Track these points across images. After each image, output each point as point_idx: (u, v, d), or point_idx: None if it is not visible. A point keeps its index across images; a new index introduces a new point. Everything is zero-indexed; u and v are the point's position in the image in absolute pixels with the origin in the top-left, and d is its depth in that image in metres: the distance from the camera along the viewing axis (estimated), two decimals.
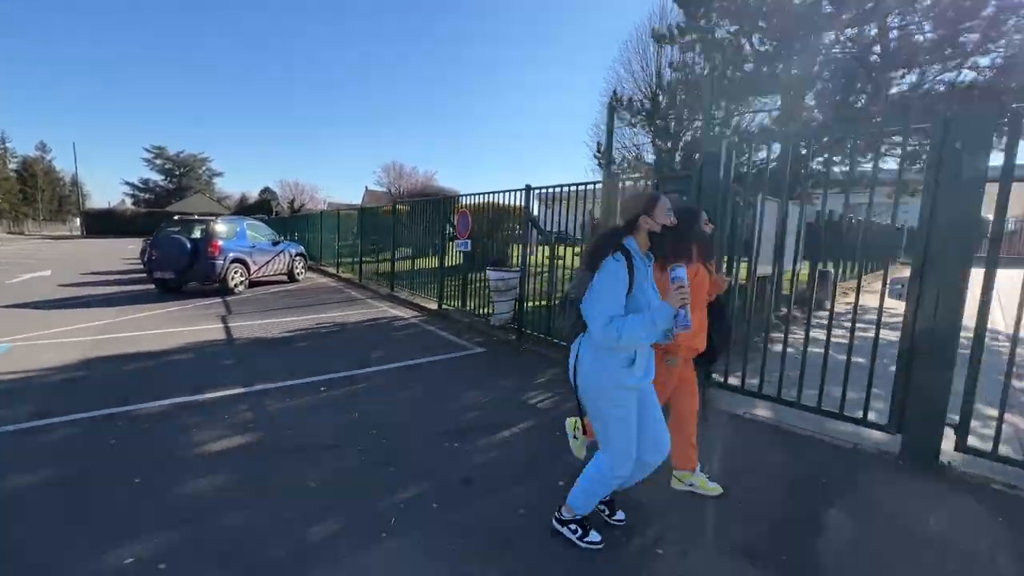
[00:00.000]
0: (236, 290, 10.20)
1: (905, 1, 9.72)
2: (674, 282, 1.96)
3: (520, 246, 6.26)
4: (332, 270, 14.86)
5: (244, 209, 55.39)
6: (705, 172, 3.89)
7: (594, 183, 5.12)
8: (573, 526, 2.29)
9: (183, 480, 2.77)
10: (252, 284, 11.33)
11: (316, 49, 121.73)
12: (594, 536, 2.26)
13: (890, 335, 4.24)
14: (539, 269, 7.01)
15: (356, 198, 54.43)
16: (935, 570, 2.17)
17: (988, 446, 2.97)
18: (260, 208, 52.15)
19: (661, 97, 11.46)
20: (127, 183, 66.49)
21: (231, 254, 10.15)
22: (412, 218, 10.24)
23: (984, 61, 10.41)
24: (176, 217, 11.22)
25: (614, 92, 11.91)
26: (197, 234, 9.92)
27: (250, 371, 4.84)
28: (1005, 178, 2.81)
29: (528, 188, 5.99)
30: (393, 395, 4.31)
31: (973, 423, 3.04)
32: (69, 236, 46.62)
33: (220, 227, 10.19)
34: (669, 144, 11.48)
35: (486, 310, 6.87)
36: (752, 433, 3.60)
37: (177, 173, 67.64)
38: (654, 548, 2.28)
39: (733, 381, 4.06)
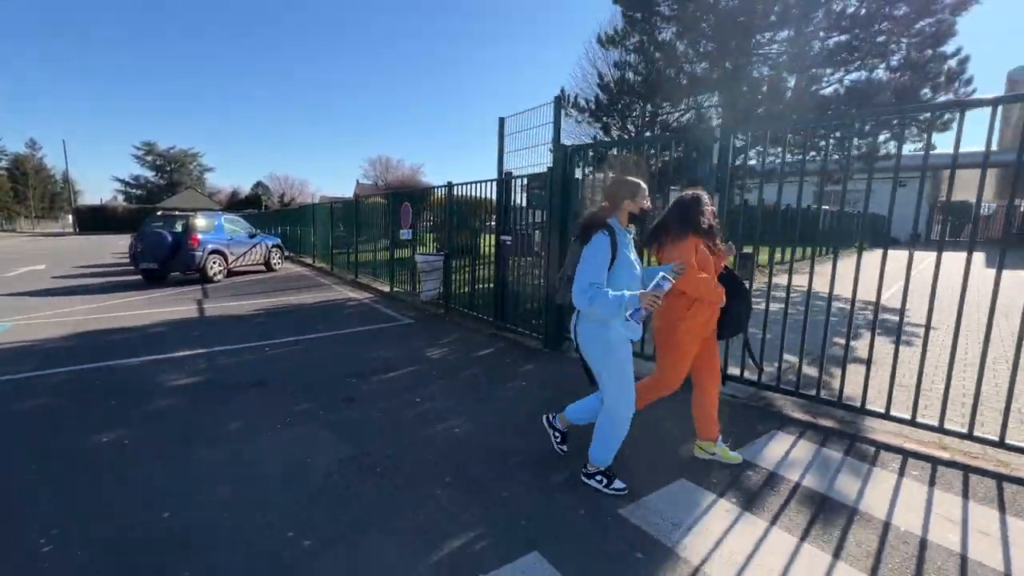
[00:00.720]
0: (215, 279, 11.27)
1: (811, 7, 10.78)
2: (656, 288, 2.22)
3: (485, 235, 7.18)
4: (310, 260, 15.94)
5: (235, 204, 56.19)
6: (554, 171, 4.98)
7: (497, 179, 6.16)
8: (599, 477, 2.57)
9: (148, 402, 3.88)
10: (232, 273, 12.41)
11: (310, 43, 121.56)
12: (618, 484, 2.55)
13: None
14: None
15: (348, 191, 55.32)
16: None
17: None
18: (251, 203, 52.99)
19: (602, 96, 12.51)
20: (118, 179, 66.95)
21: (209, 246, 11.22)
22: (372, 211, 11.30)
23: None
24: (159, 213, 12.28)
25: (561, 90, 12.97)
26: (178, 228, 10.98)
27: (212, 338, 5.95)
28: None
29: (449, 184, 7.07)
30: (320, 352, 5.42)
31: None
32: (62, 233, 47.33)
33: (199, 221, 11.25)
34: (611, 138, 12.57)
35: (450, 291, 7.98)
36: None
37: (168, 169, 68.07)
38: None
39: None
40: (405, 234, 8.41)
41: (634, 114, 12.19)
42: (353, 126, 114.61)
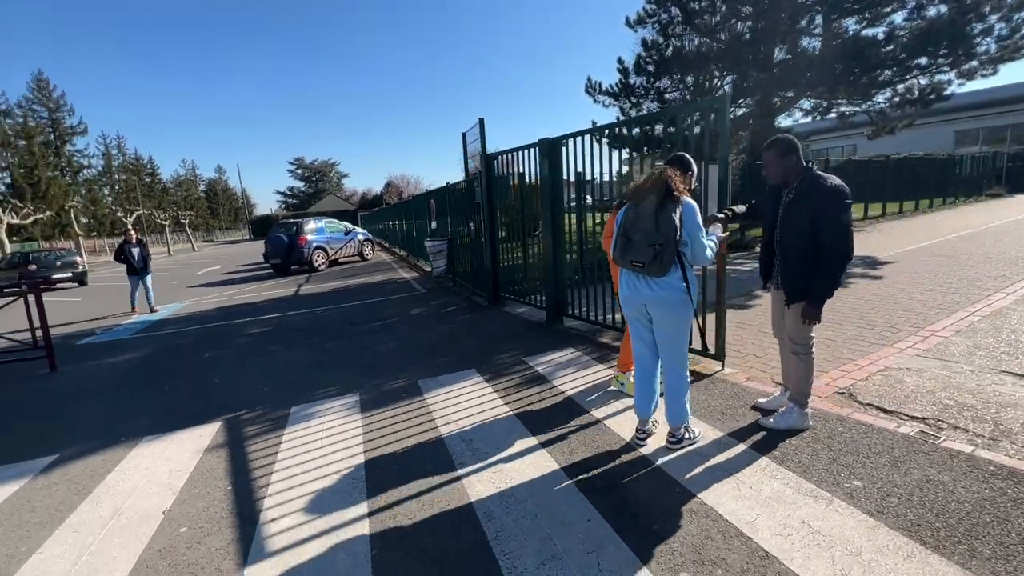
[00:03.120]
0: (319, 268, 14.83)
1: None
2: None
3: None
4: (397, 250, 19.25)
5: (365, 204, 64.65)
6: (481, 176, 6.73)
7: (460, 181, 8.02)
8: (686, 435, 2.77)
9: (236, 340, 6.66)
10: (333, 264, 15.99)
11: (425, 49, 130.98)
12: (696, 430, 2.84)
13: None
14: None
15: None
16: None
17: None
18: (375, 202, 60.50)
19: (627, 79, 13.36)
20: (278, 192, 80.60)
21: (314, 244, 14.79)
22: (421, 206, 13.79)
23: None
24: (280, 221, 16.25)
25: (588, 78, 14.08)
26: (292, 232, 14.68)
27: (291, 307, 8.85)
28: None
29: (427, 192, 9.11)
30: (348, 313, 7.91)
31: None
32: (241, 240, 59.19)
33: (305, 225, 14.86)
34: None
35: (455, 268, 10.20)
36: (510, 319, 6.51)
37: (313, 179, 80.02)
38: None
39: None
40: (432, 224, 10.70)
41: (652, 93, 12.88)
42: (459, 115, 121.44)
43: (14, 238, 32.43)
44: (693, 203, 2.60)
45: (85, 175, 47.76)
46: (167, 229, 39.33)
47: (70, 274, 16.22)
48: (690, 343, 2.84)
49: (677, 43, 12.58)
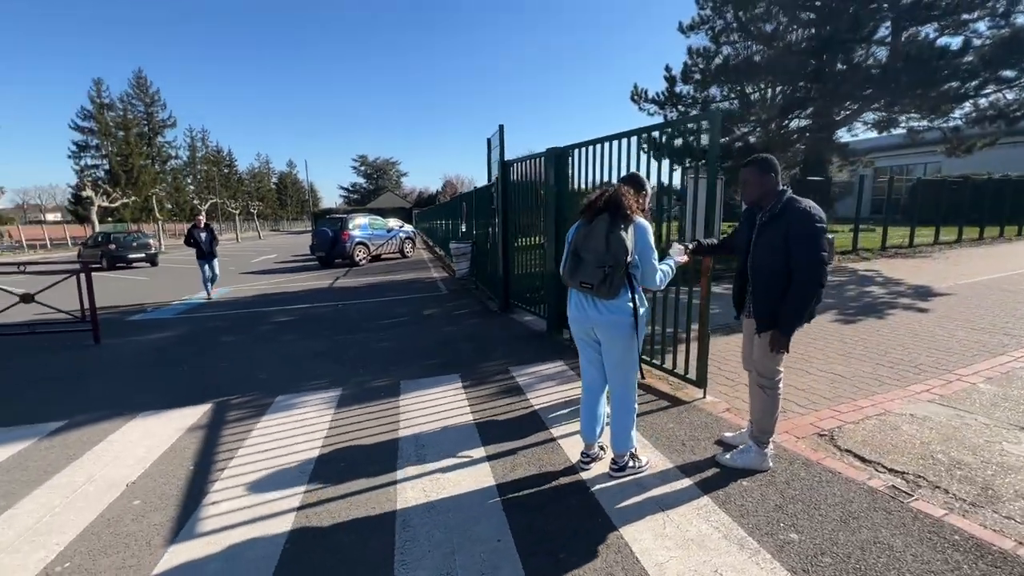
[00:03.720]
0: (360, 263, 15.42)
1: None
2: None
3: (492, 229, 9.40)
4: (438, 250, 19.66)
5: (419, 202, 66.58)
6: (499, 182, 6.75)
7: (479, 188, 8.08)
8: (631, 463, 2.66)
9: (260, 327, 7.05)
10: (374, 259, 16.57)
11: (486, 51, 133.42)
12: (644, 458, 2.72)
13: None
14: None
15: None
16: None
17: None
18: (430, 201, 62.12)
19: (674, 87, 12.96)
20: (341, 187, 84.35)
21: (356, 239, 15.39)
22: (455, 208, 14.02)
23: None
24: (327, 216, 17.04)
25: (635, 86, 13.77)
26: (336, 226, 15.36)
27: (320, 299, 9.27)
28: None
29: (460, 195, 9.21)
30: (367, 308, 8.18)
31: None
32: (303, 231, 62.54)
33: (348, 221, 15.50)
34: None
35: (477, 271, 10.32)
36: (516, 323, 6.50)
37: (375, 176, 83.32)
38: None
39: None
40: (463, 226, 10.86)
41: (699, 102, 12.42)
42: (516, 117, 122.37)
43: (108, 219, 36.11)
44: (646, 224, 2.52)
45: (172, 165, 52.19)
46: (237, 217, 42.24)
47: (143, 255, 17.79)
48: (640, 369, 2.70)
49: (729, 51, 12.09)
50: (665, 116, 13.26)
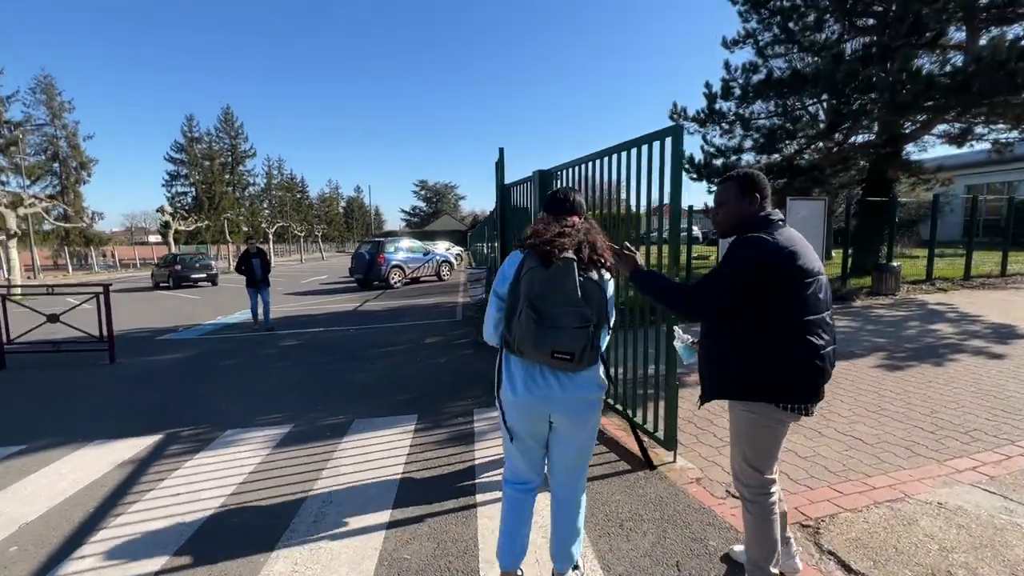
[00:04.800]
0: (395, 286, 15.61)
1: None
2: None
3: None
4: None
5: (474, 224, 68.01)
6: (496, 207, 6.44)
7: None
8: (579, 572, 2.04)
9: (265, 350, 7.11)
10: (412, 281, 16.74)
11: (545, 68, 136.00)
12: (583, 566, 2.09)
13: None
14: None
15: None
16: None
17: None
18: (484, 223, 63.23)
19: (713, 105, 12.21)
20: (402, 210, 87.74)
21: (392, 262, 15.64)
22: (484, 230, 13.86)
23: None
24: (366, 239, 17.49)
25: (674, 103, 13.11)
26: (374, 249, 15.70)
27: (337, 323, 9.32)
28: None
29: (475, 219, 8.97)
30: (376, 335, 8.06)
31: None
32: None
33: (385, 245, 15.81)
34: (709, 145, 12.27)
35: None
36: None
37: (434, 200, 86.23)
38: None
39: None
40: (485, 250, 10.63)
41: (741, 119, 11.57)
42: (569, 143, 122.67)
43: (192, 240, 39.64)
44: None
45: (249, 191, 56.73)
46: (302, 240, 44.91)
47: (205, 275, 19.09)
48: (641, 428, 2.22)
49: (777, 63, 11.22)
50: (705, 135, 12.49)
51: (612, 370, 3.11)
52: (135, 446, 3.74)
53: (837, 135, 10.21)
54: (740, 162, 12.30)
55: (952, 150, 12.21)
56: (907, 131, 10.63)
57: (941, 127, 10.46)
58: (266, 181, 62.14)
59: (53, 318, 6.67)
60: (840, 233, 14.19)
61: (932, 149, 12.42)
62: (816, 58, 10.34)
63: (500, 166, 6.35)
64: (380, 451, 3.49)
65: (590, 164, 4.06)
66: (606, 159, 3.82)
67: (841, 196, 13.08)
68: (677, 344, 2.24)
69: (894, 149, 10.71)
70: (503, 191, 6.39)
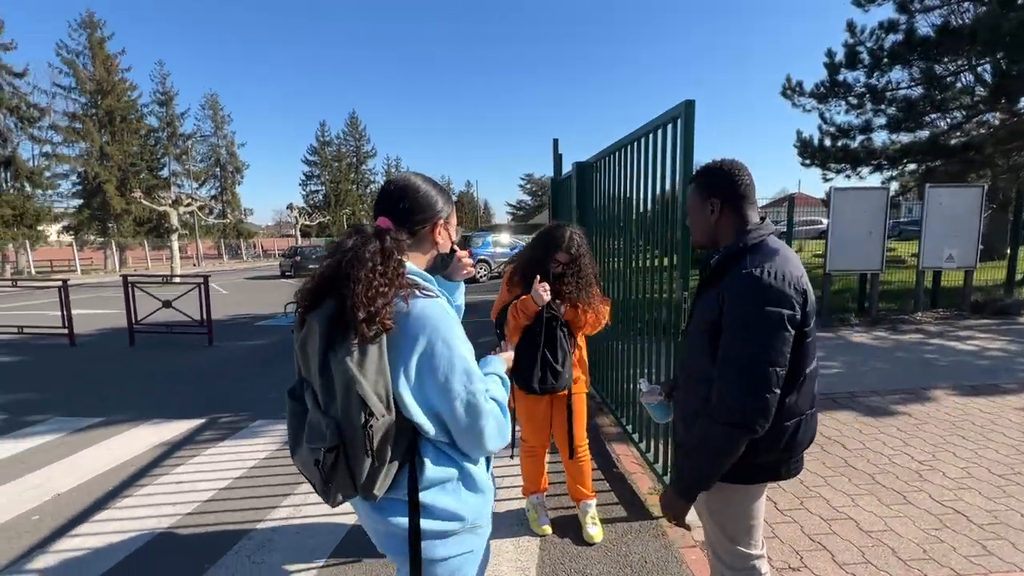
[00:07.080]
0: (480, 279, 15.83)
1: None
2: None
3: None
4: None
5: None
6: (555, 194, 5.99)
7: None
8: None
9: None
10: (497, 276, 16.84)
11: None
12: None
13: None
14: None
15: None
16: None
17: None
18: None
19: (835, 75, 10.34)
20: (508, 204, 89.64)
21: (478, 256, 15.86)
22: None
23: None
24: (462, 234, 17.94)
25: (787, 78, 11.40)
26: (462, 244, 16.06)
27: None
28: None
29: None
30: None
31: None
32: None
33: (471, 239, 16.06)
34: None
35: None
36: None
37: (539, 193, 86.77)
38: None
39: None
40: None
41: (872, 91, 9.62)
42: None
43: (322, 234, 44.49)
44: (434, 310, 1.08)
45: (371, 188, 61.95)
46: None
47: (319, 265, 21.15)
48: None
49: (921, 21, 9.14)
50: (824, 112, 10.67)
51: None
52: (175, 429, 4.07)
53: (1004, 102, 8.02)
54: (870, 143, 10.35)
55: None
56: None
57: None
58: (384, 178, 67.48)
59: (167, 304, 7.70)
60: (999, 228, 11.29)
61: None
62: (979, 4, 8.16)
63: (555, 158, 5.94)
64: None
65: (621, 151, 3.53)
66: (635, 143, 3.27)
67: (1001, 181, 10.23)
68: (645, 402, 1.75)
69: None
70: (555, 188, 5.98)
